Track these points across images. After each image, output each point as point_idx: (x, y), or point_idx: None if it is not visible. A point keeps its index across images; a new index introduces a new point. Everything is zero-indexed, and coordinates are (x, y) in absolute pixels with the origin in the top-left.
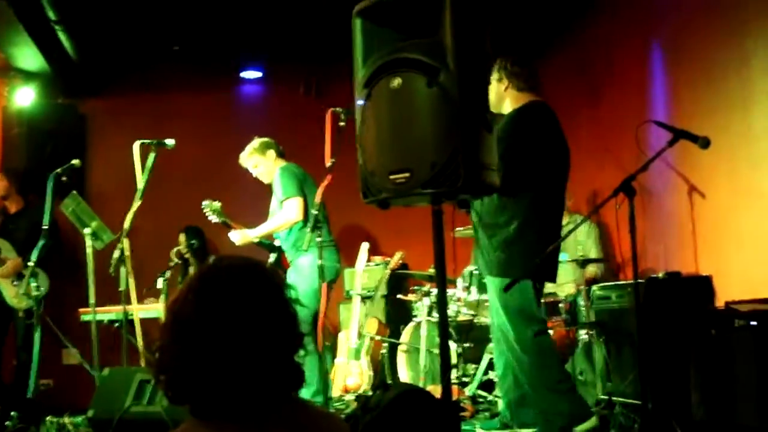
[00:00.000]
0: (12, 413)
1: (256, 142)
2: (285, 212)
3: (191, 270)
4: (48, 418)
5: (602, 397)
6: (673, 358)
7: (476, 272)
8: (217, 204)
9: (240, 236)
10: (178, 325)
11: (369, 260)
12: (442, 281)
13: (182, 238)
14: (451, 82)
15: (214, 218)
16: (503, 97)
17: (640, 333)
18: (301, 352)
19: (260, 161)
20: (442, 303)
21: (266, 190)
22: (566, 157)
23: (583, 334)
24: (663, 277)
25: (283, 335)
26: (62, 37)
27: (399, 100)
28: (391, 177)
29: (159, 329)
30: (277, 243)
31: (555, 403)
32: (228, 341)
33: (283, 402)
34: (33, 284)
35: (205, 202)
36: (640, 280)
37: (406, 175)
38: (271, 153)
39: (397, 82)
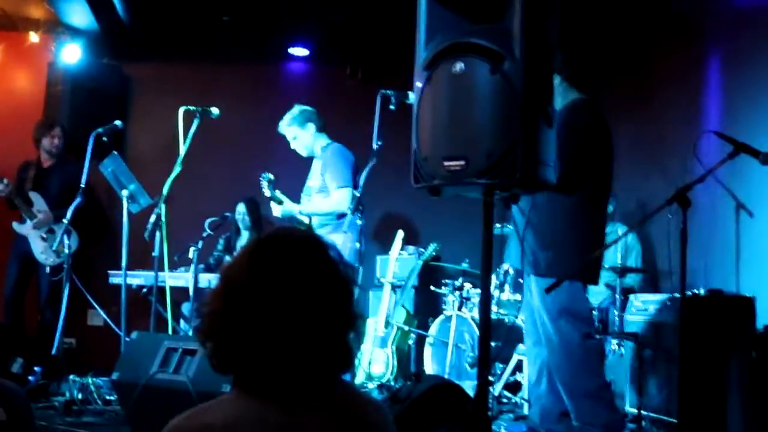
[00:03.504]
0: (35, 368)
1: (296, 110)
2: (336, 201)
3: (239, 242)
4: (71, 376)
5: (630, 409)
6: (711, 377)
7: (511, 270)
8: (271, 176)
9: (284, 208)
10: (229, 290)
11: (402, 249)
12: (487, 276)
13: (241, 207)
14: (515, 71)
15: (266, 191)
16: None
17: (682, 348)
18: (352, 334)
19: (299, 133)
20: (485, 299)
21: (305, 165)
22: (612, 157)
23: (614, 344)
24: (705, 294)
25: (339, 312)
26: None
27: (460, 86)
28: (446, 164)
29: (209, 294)
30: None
31: (593, 410)
32: (280, 311)
33: (329, 382)
34: (66, 242)
35: (263, 174)
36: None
37: (461, 162)
38: (311, 126)
39: (459, 66)
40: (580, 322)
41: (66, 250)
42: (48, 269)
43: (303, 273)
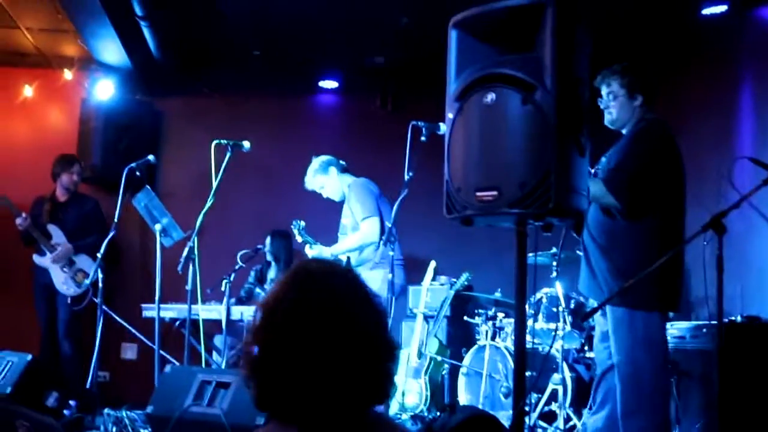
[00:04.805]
0: (70, 402)
1: (315, 162)
2: (363, 232)
3: (270, 274)
4: (106, 410)
5: None
6: (751, 405)
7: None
8: (302, 223)
9: (316, 252)
10: (270, 322)
11: (434, 279)
12: (522, 305)
13: (268, 240)
14: (547, 101)
15: (298, 237)
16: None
17: (721, 376)
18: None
19: (325, 181)
20: (519, 329)
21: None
22: (684, 180)
23: None
24: (742, 321)
25: (379, 343)
26: (146, 33)
27: (491, 116)
28: (478, 194)
29: (250, 329)
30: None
31: None
32: (322, 338)
33: (367, 414)
34: (100, 276)
35: (294, 221)
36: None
37: (494, 193)
38: (333, 170)
39: (490, 97)
40: (655, 354)
41: (86, 281)
42: (69, 299)
43: (342, 304)
